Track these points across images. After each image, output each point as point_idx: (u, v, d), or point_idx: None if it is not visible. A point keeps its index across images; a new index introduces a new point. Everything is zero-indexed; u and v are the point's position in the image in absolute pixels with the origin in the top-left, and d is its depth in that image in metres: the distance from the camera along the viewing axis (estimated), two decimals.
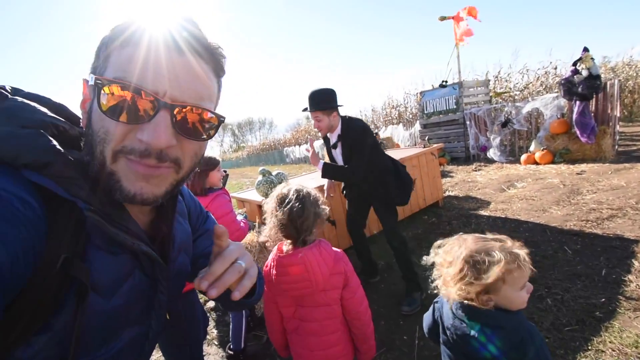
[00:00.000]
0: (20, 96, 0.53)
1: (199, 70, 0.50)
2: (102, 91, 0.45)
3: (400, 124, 11.68)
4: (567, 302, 2.13)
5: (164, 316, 0.64)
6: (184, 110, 0.49)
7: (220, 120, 0.54)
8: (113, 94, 0.45)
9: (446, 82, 8.55)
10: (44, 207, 0.45)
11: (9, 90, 0.52)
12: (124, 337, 0.55)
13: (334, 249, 1.35)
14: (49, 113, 0.53)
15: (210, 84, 0.53)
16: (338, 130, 2.42)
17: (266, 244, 1.42)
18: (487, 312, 0.99)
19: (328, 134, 2.48)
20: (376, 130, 11.97)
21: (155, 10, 0.51)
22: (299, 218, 1.25)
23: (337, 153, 2.53)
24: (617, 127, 6.11)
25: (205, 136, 0.53)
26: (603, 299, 2.08)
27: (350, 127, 2.38)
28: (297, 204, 1.27)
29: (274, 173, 3.30)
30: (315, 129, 2.63)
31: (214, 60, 0.54)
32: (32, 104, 0.52)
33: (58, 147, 0.48)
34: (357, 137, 2.34)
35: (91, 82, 0.48)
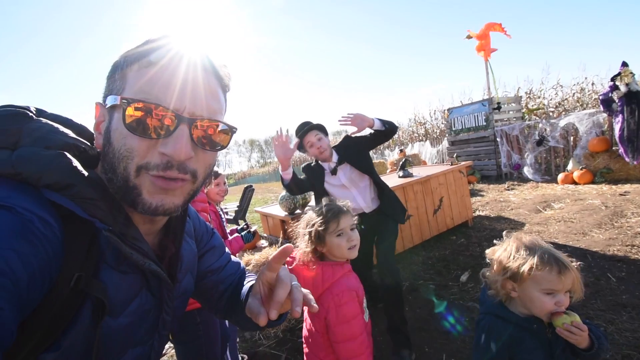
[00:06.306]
0: (44, 117, 0.55)
1: (211, 87, 0.54)
2: (126, 110, 0.48)
3: (427, 140, 11.52)
4: (611, 335, 1.97)
5: (167, 336, 0.65)
6: (201, 123, 0.52)
7: (233, 131, 0.58)
8: (136, 112, 0.48)
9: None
10: (62, 226, 0.46)
11: (34, 111, 0.54)
12: (127, 357, 0.55)
13: (347, 285, 1.27)
14: (71, 134, 0.55)
15: (220, 99, 0.57)
16: (335, 155, 2.36)
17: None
18: (491, 299, 1.10)
19: (323, 164, 2.39)
20: (402, 147, 11.88)
21: (162, 31, 0.54)
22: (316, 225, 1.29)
23: (339, 178, 2.35)
24: None
25: (219, 147, 0.56)
26: None
27: (343, 142, 2.43)
28: (325, 210, 1.33)
29: None
30: (312, 157, 2.43)
31: (222, 77, 0.57)
32: (56, 125, 0.54)
33: (79, 168, 0.49)
34: (359, 139, 2.39)
35: (112, 103, 0.50)
